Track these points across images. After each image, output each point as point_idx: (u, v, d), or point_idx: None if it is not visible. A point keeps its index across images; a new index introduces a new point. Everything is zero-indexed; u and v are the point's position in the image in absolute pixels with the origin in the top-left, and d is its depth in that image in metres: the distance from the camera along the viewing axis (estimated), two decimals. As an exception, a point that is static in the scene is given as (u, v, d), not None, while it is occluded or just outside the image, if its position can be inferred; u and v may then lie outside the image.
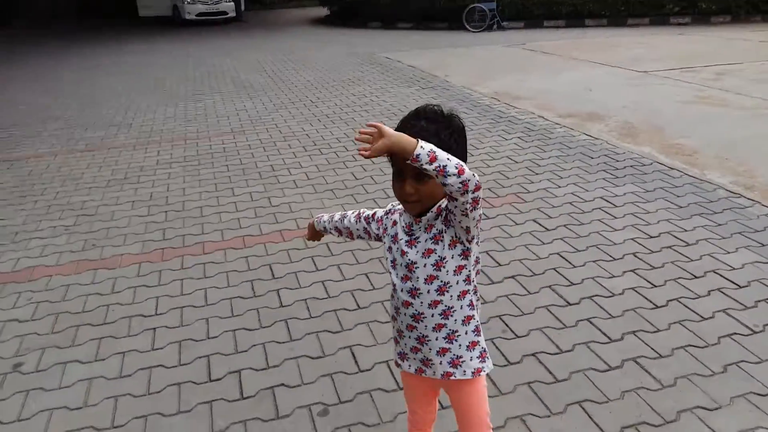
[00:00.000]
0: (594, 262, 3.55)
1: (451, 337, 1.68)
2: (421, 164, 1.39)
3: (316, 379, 2.67)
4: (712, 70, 8.79)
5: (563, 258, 3.62)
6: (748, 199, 4.27)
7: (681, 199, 4.31)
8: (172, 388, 2.65)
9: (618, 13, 15.20)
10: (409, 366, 1.78)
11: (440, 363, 1.70)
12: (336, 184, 4.97)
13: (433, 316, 1.65)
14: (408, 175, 1.54)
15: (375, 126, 1.42)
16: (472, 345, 1.71)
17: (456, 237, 1.60)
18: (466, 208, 1.49)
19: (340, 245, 3.89)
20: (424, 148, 1.38)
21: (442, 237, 1.60)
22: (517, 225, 4.07)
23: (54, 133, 7.04)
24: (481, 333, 1.73)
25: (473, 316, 1.70)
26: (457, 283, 1.64)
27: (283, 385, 2.64)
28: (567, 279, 3.38)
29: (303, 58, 12.24)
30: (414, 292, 1.65)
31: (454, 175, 1.39)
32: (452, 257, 1.61)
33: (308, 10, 24.73)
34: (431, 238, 1.61)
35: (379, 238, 1.81)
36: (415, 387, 1.89)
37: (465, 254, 1.62)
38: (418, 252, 1.62)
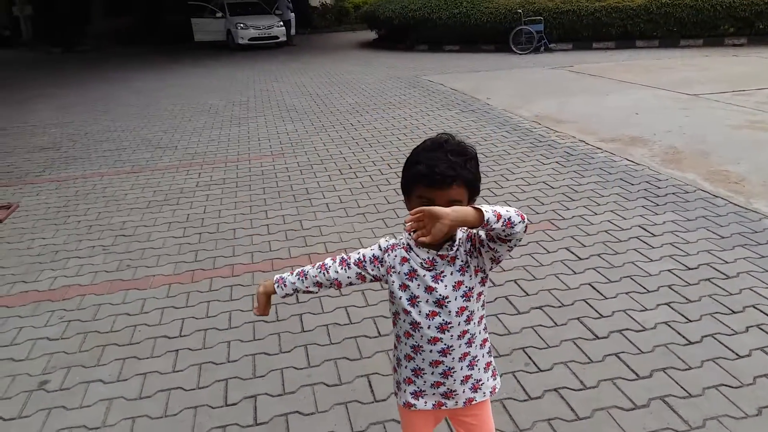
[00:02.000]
0: (627, 294, 3.42)
1: (472, 363, 1.70)
2: (491, 226, 1.41)
3: (330, 407, 2.65)
4: (766, 93, 8.46)
5: (594, 289, 3.50)
6: (797, 229, 4.06)
7: (723, 229, 4.13)
8: (188, 411, 2.67)
9: (670, 33, 14.83)
10: (425, 403, 1.73)
11: (463, 391, 1.71)
12: (368, 207, 4.97)
13: (460, 346, 1.66)
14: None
15: (421, 211, 1.41)
16: (488, 366, 1.75)
17: (479, 266, 1.62)
18: (514, 246, 1.53)
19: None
20: (488, 211, 1.40)
21: (468, 267, 1.61)
22: (549, 253, 3.97)
23: (103, 154, 7.31)
24: (491, 351, 1.78)
25: (487, 338, 1.74)
26: (478, 309, 1.67)
27: (297, 412, 2.63)
28: (597, 311, 3.27)
29: (348, 81, 12.39)
30: (444, 327, 1.63)
31: (520, 223, 1.44)
32: (475, 285, 1.63)
33: (357, 34, 25.07)
34: (458, 270, 1.60)
35: (378, 279, 1.71)
36: (424, 424, 1.82)
37: (483, 281, 1.65)
38: (447, 286, 1.60)
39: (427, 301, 1.61)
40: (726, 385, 2.61)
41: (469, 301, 1.62)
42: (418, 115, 8.49)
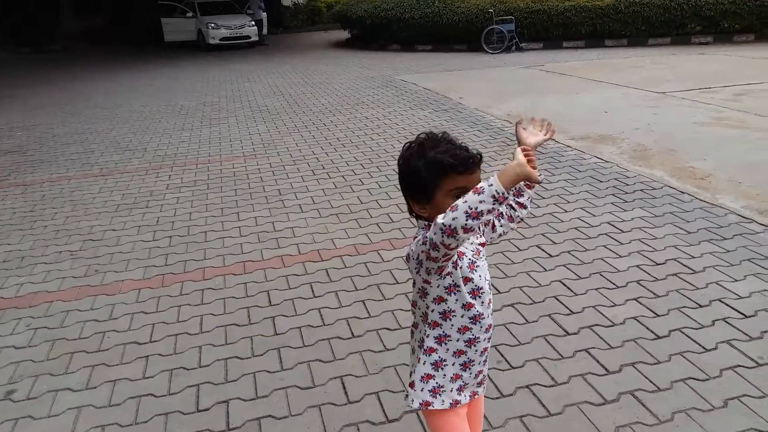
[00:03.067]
0: (596, 290, 3.47)
1: None
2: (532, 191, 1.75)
3: (303, 410, 2.63)
4: (731, 91, 8.64)
5: (565, 285, 3.54)
6: (760, 224, 4.15)
7: (690, 225, 4.21)
8: (159, 418, 2.64)
9: (638, 32, 15.07)
10: (466, 396, 1.71)
11: (486, 373, 1.78)
12: (341, 208, 4.96)
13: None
14: None
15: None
16: None
17: None
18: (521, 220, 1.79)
19: (339, 271, 3.86)
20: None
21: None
22: (520, 251, 4.00)
23: (71, 157, 7.18)
24: None
25: None
26: None
27: (270, 416, 2.61)
28: (567, 307, 3.31)
29: (320, 81, 12.35)
30: (492, 310, 1.70)
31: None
32: None
33: (330, 34, 25.01)
34: (483, 254, 1.71)
35: (449, 257, 1.52)
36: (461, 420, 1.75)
37: None
38: (484, 269, 1.68)
39: (485, 290, 1.65)
40: (694, 379, 2.66)
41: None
42: (391, 115, 8.49)
